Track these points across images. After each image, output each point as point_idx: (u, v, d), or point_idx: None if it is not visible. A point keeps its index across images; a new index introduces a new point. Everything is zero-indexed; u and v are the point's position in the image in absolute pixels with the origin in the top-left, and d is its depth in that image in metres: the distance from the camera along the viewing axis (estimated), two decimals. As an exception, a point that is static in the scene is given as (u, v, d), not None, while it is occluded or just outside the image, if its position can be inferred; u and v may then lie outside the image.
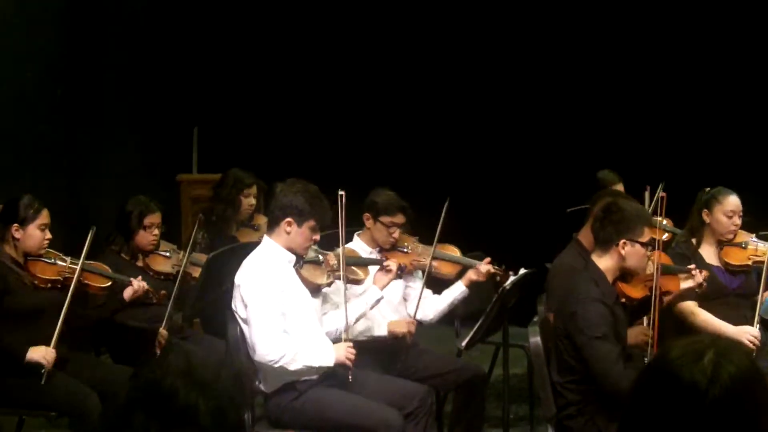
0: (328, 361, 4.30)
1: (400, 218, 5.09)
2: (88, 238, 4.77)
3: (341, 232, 4.52)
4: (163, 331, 5.01)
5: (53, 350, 4.51)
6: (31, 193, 4.83)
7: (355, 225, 5.21)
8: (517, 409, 5.93)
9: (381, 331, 4.90)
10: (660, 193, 5.15)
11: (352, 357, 4.34)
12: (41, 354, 4.48)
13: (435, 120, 8.74)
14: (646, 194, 5.07)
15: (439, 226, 5.11)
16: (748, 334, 4.87)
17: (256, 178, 6.17)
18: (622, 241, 4.27)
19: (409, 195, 5.24)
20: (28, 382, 4.54)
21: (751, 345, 4.81)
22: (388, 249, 5.13)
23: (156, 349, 4.96)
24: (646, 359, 4.37)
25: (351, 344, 4.38)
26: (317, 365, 4.30)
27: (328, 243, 4.71)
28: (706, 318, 5.01)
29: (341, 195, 4.46)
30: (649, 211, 4.84)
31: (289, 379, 4.32)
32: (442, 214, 5.08)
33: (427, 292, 5.21)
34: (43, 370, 4.45)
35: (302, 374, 4.30)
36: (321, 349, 4.33)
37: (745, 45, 8.10)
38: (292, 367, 4.23)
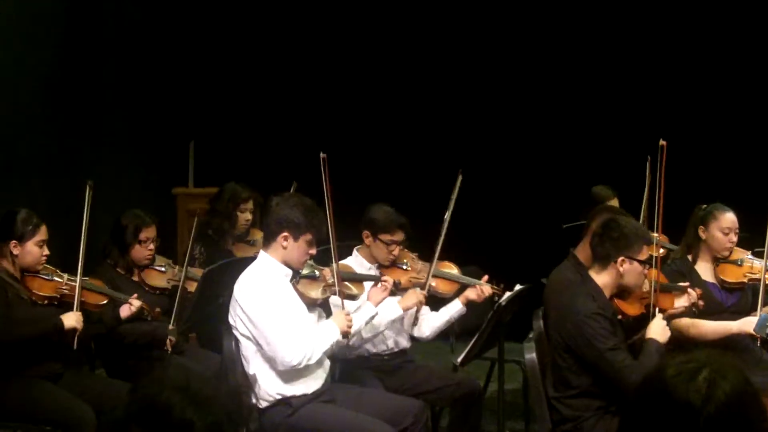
0: (336, 335, 4.39)
1: (399, 236, 5.07)
2: (86, 196, 4.85)
3: (327, 198, 4.50)
4: (171, 327, 5.06)
5: (79, 312, 4.67)
6: (27, 206, 4.82)
7: (351, 237, 5.21)
8: (513, 424, 5.92)
9: (395, 313, 4.87)
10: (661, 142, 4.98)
11: (351, 323, 4.44)
12: (75, 319, 4.63)
13: (430, 135, 8.76)
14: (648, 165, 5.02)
15: (440, 240, 5.11)
16: (753, 324, 4.87)
17: (253, 192, 6.17)
18: (621, 258, 4.28)
19: (407, 210, 5.23)
20: (24, 395, 4.54)
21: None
22: (387, 266, 5.13)
23: (168, 347, 5.00)
24: None
25: (348, 312, 4.45)
26: (330, 345, 4.37)
27: (325, 258, 4.71)
28: (705, 324, 4.98)
29: (323, 158, 4.47)
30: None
31: (284, 394, 4.32)
32: (456, 188, 5.14)
33: (425, 308, 5.20)
34: (77, 334, 4.60)
35: (319, 364, 4.37)
36: (326, 330, 4.38)
37: (740, 62, 8.13)
38: (313, 360, 4.30)
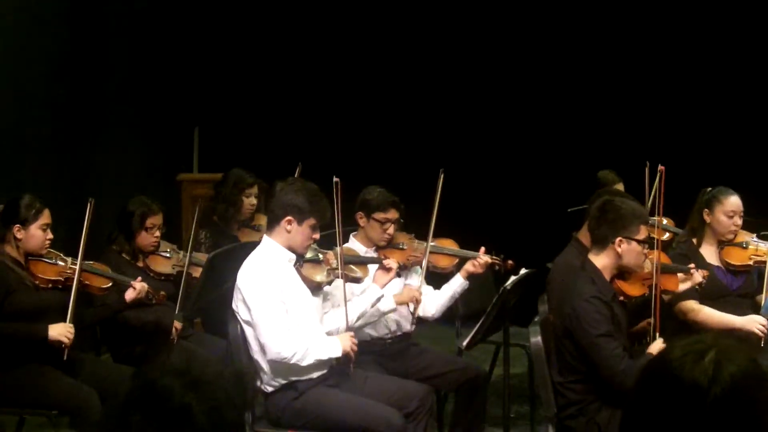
0: (336, 352, 4.34)
1: (393, 214, 5.07)
2: (87, 209, 4.81)
3: (337, 221, 4.49)
4: (177, 323, 5.08)
5: (71, 325, 4.59)
6: (33, 193, 4.83)
7: (349, 224, 5.20)
8: (518, 408, 5.94)
9: (389, 305, 4.85)
10: (659, 167, 5.01)
11: (355, 348, 4.39)
12: (59, 331, 4.55)
13: (435, 120, 8.75)
14: (647, 170, 4.98)
15: (433, 217, 5.10)
16: (756, 323, 4.87)
17: (258, 177, 6.16)
18: (618, 238, 4.27)
19: (409, 195, 5.23)
20: (30, 380, 4.55)
21: (760, 333, 4.81)
22: (384, 246, 5.12)
23: (173, 337, 5.04)
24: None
25: (353, 334, 4.43)
26: (326, 357, 4.33)
27: (327, 243, 4.71)
28: (710, 313, 4.99)
29: (336, 182, 4.46)
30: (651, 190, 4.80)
31: (289, 379, 4.33)
32: (438, 189, 5.09)
33: (428, 288, 5.20)
34: (63, 346, 4.54)
35: (312, 369, 4.32)
36: (328, 342, 4.36)
37: (746, 45, 8.10)
38: (304, 363, 4.27)
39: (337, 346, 4.34)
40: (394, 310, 4.92)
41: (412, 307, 4.98)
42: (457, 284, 5.15)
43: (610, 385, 4.13)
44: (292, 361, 4.24)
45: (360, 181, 5.21)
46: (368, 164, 7.99)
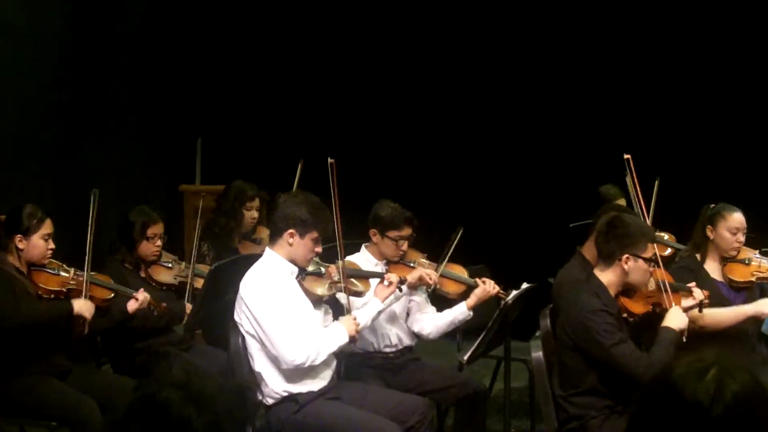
0: (344, 339, 4.37)
1: (407, 231, 5.07)
2: (92, 202, 4.89)
3: (334, 202, 4.49)
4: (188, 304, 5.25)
5: (88, 300, 4.72)
6: (34, 203, 4.83)
7: (356, 236, 5.20)
8: (519, 423, 5.92)
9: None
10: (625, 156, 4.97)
11: (359, 329, 4.45)
12: (81, 305, 4.68)
13: (437, 136, 8.75)
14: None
15: (449, 251, 5.12)
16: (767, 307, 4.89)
17: (259, 190, 6.16)
18: (625, 256, 4.27)
19: (413, 211, 5.23)
20: (30, 391, 4.55)
21: None
22: (395, 262, 5.13)
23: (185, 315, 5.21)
24: None
25: (354, 316, 4.45)
26: (337, 347, 4.35)
27: (329, 256, 4.71)
28: (718, 312, 4.95)
29: (331, 163, 4.45)
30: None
31: (290, 392, 4.33)
32: (453, 242, 5.11)
33: (431, 308, 5.20)
34: (83, 321, 4.68)
35: (323, 367, 4.35)
36: (334, 333, 4.37)
37: (748, 60, 8.11)
38: (318, 362, 4.29)
39: (343, 333, 4.37)
40: (406, 293, 4.94)
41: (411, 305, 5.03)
42: (459, 312, 5.14)
43: (614, 399, 4.16)
44: (307, 365, 4.26)
45: (365, 194, 5.21)
46: (373, 174, 8.00)
